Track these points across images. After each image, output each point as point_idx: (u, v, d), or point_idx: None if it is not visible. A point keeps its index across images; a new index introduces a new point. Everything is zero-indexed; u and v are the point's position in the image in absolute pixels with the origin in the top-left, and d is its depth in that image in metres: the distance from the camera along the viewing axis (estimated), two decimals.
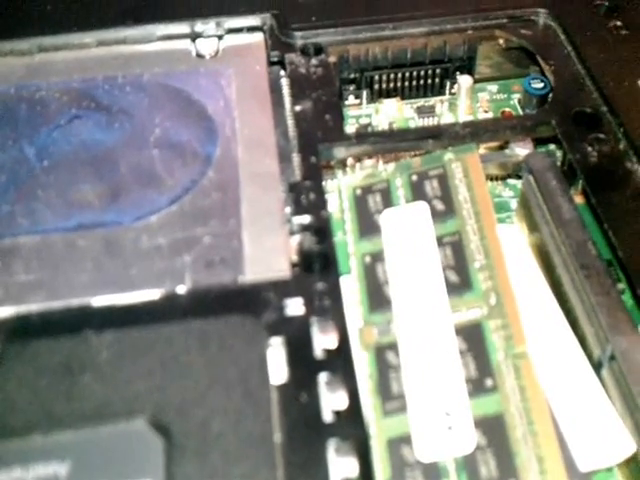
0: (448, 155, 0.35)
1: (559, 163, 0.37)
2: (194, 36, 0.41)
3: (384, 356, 0.30)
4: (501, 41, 0.41)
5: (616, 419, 0.29)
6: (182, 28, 0.41)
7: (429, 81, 0.43)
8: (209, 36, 0.41)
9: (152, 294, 0.30)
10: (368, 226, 0.34)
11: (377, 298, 0.31)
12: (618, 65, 0.38)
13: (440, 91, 0.43)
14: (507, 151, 0.37)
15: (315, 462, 0.26)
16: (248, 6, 0.42)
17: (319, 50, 0.40)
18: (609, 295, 0.30)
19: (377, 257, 0.32)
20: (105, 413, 0.27)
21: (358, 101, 0.43)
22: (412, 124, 0.41)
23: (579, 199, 0.36)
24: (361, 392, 0.27)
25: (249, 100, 0.37)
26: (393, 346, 0.30)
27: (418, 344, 0.30)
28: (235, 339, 0.28)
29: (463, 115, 0.42)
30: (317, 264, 0.31)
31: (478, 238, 0.32)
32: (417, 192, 0.34)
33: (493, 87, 0.43)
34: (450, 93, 0.43)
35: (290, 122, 0.37)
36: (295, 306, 0.29)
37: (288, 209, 0.33)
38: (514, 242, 0.34)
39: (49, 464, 0.26)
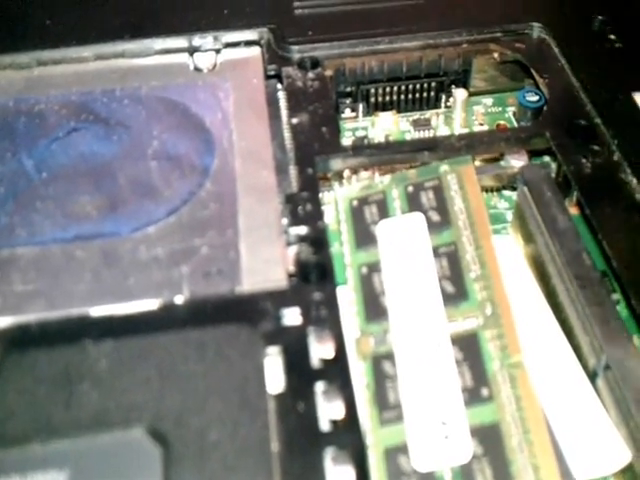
0: (444, 167, 0.35)
1: (554, 175, 0.37)
2: (192, 50, 0.41)
3: (381, 366, 0.30)
4: (496, 55, 0.42)
5: (611, 428, 0.29)
6: (180, 42, 0.41)
7: (425, 94, 0.43)
8: (207, 50, 0.41)
9: (150, 304, 0.30)
10: (364, 237, 0.34)
11: (374, 308, 0.31)
12: (612, 78, 0.38)
13: (436, 104, 0.43)
14: (502, 163, 0.37)
15: (312, 471, 0.26)
16: (245, 20, 0.42)
17: (316, 64, 0.40)
18: (604, 305, 0.30)
19: (373, 267, 0.33)
20: (103, 422, 0.27)
21: (354, 114, 0.43)
22: (408, 137, 0.42)
23: (574, 210, 0.37)
24: (358, 401, 0.28)
25: (246, 113, 0.38)
26: (390, 356, 0.30)
27: (414, 354, 0.30)
28: (232, 349, 0.29)
29: (458, 128, 0.42)
30: (314, 274, 0.31)
31: (474, 249, 0.32)
32: (413, 203, 0.34)
33: (488, 100, 0.44)
34: (446, 106, 0.43)
35: (287, 134, 0.37)
36: (292, 316, 0.29)
37: (285, 220, 0.33)
38: (509, 253, 0.35)
39: (47, 473, 0.26)
